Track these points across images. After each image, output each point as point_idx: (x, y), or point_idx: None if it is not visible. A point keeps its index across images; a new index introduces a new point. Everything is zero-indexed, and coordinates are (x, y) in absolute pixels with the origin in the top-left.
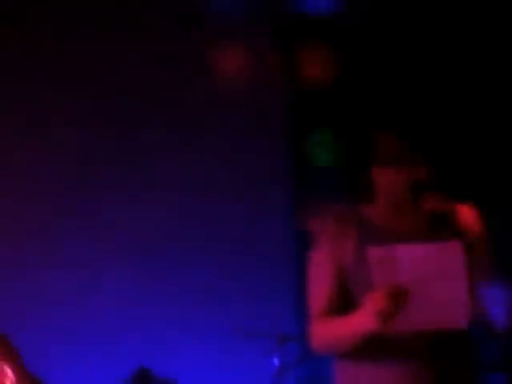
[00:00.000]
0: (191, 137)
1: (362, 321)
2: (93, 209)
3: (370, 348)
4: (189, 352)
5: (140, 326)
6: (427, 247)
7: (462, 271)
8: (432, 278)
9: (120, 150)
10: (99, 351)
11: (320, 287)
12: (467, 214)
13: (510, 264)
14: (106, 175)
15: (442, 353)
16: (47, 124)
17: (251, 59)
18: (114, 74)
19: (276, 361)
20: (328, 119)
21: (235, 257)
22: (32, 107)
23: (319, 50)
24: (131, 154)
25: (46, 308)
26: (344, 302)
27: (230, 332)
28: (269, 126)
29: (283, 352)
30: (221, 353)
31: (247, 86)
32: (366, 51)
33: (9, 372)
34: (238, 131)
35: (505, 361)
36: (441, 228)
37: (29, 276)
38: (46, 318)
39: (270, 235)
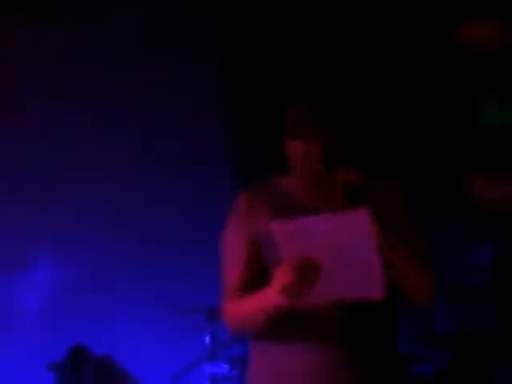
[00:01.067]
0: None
1: (271, 297)
2: None
3: (284, 326)
4: (123, 328)
5: (75, 302)
6: (334, 217)
7: (372, 240)
8: (342, 248)
9: None
10: (35, 329)
11: (233, 264)
12: (387, 191)
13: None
14: None
15: (358, 329)
16: None
17: None
18: None
19: (208, 337)
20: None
21: (169, 230)
22: None
23: None
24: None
25: None
26: (259, 279)
27: (165, 307)
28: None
29: (216, 328)
30: (155, 328)
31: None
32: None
33: None
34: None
35: (425, 335)
36: (356, 201)
37: None
38: None
39: (205, 209)
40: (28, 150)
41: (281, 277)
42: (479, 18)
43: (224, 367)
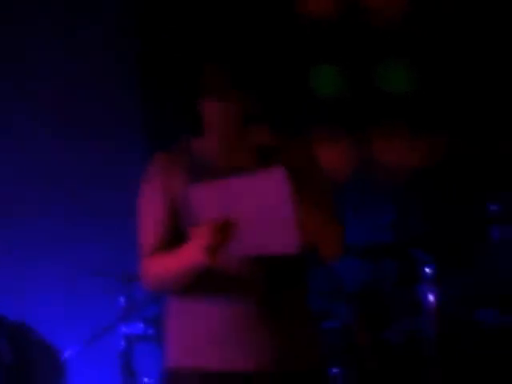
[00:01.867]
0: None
1: (190, 255)
2: None
3: (203, 283)
4: (36, 293)
5: None
6: (250, 178)
7: (287, 198)
8: (258, 207)
9: None
10: None
11: (150, 223)
12: (298, 148)
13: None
14: None
15: (274, 285)
16: None
17: None
18: None
19: (122, 300)
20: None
21: (84, 194)
22: None
23: None
24: None
25: None
26: (175, 238)
27: (77, 270)
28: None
29: (130, 291)
30: (69, 291)
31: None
32: None
33: None
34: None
35: (335, 291)
36: (270, 162)
37: None
38: None
39: (120, 168)
40: None
41: (199, 237)
42: None
43: (139, 327)
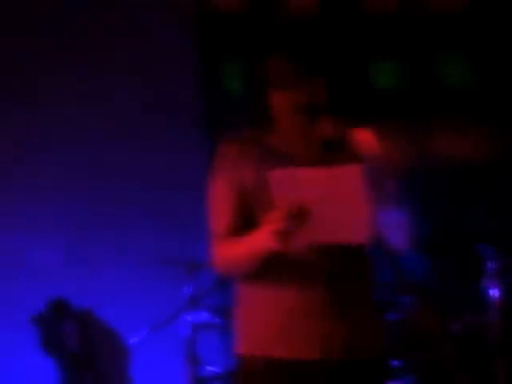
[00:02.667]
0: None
1: (262, 240)
2: None
3: (271, 270)
4: (104, 280)
5: (53, 256)
6: (328, 170)
7: (362, 193)
8: (333, 198)
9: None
10: (14, 285)
11: (221, 209)
12: (365, 139)
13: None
14: None
15: (341, 275)
16: None
17: None
18: None
19: (188, 289)
20: (239, 45)
21: (148, 184)
22: None
23: None
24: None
25: None
26: (245, 225)
27: (143, 259)
28: (179, 56)
29: (196, 280)
30: (134, 280)
31: (155, 13)
32: None
33: None
34: (148, 61)
35: (399, 283)
36: (338, 153)
37: None
38: None
39: (183, 166)
40: None
41: (272, 222)
42: None
43: (204, 315)
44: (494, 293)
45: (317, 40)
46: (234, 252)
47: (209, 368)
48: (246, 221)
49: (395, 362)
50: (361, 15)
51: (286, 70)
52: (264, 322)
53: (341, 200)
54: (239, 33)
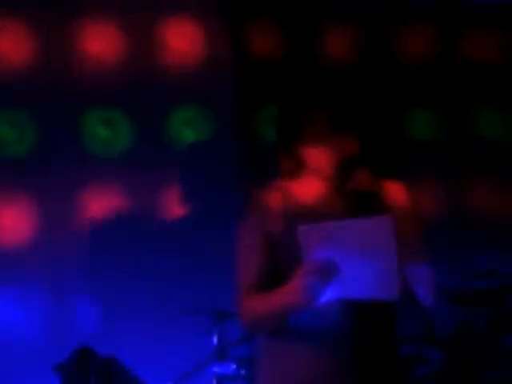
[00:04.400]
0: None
1: (290, 294)
2: None
3: (297, 324)
4: (129, 329)
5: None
6: (357, 222)
7: (392, 246)
8: (362, 252)
9: None
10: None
11: (250, 261)
12: (396, 192)
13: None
14: None
15: (367, 330)
16: None
17: (199, 33)
18: None
19: (215, 339)
20: (274, 95)
21: (175, 232)
22: None
23: (266, 26)
24: None
25: None
26: (272, 279)
27: (169, 308)
28: (217, 102)
29: (223, 330)
30: (159, 330)
31: (195, 61)
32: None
33: None
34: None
35: (428, 337)
36: (369, 206)
37: None
38: None
39: (212, 211)
40: None
41: (302, 276)
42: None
43: (231, 367)
44: None
45: (353, 89)
46: (262, 305)
47: None
48: (273, 274)
49: None
50: (398, 65)
51: (321, 126)
52: (284, 375)
53: (371, 252)
54: (274, 80)
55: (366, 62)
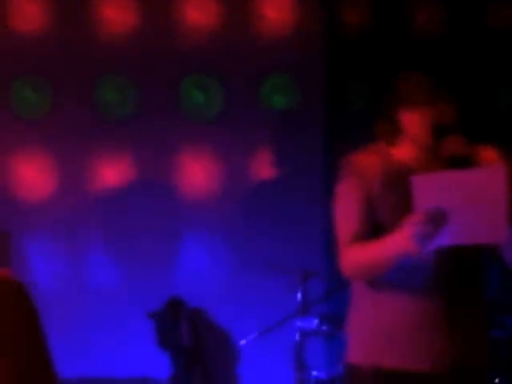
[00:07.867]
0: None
1: (399, 243)
2: None
3: (395, 276)
4: (217, 281)
5: (170, 258)
6: (471, 172)
7: (504, 192)
8: (474, 200)
9: None
10: (131, 284)
11: (350, 214)
12: (490, 157)
13: None
14: None
15: (461, 283)
16: None
17: (292, 3)
18: None
19: (299, 296)
20: (363, 63)
21: (265, 193)
22: None
23: None
24: None
25: None
26: (372, 231)
27: (256, 265)
28: (307, 70)
29: (307, 287)
30: (247, 284)
31: (287, 30)
32: None
33: None
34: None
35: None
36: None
37: None
38: None
39: (300, 173)
40: None
41: (413, 225)
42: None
43: (314, 322)
44: None
45: (443, 58)
46: (365, 255)
47: (314, 373)
48: (372, 226)
49: (497, 380)
50: (488, 32)
51: (418, 88)
52: (372, 331)
53: (481, 200)
54: (364, 50)
55: (456, 29)
